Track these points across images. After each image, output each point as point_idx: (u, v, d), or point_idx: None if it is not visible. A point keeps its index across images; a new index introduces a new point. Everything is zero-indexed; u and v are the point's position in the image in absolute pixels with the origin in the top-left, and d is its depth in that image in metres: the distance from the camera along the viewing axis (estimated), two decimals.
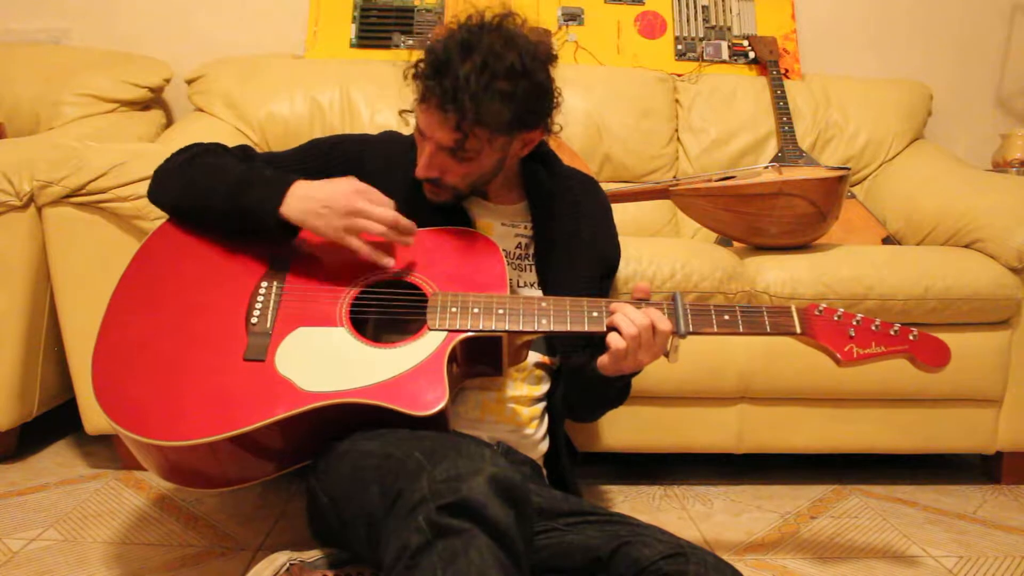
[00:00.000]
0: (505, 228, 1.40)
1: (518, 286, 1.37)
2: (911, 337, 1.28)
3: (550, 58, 1.27)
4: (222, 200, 1.25)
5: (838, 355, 1.26)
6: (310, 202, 1.21)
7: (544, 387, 1.40)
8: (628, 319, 1.19)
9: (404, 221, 1.24)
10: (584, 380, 1.35)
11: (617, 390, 1.41)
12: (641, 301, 1.24)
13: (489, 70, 1.18)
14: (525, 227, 1.41)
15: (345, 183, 1.23)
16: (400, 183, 1.34)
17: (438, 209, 1.35)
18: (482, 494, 0.91)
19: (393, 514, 0.94)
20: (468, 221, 1.36)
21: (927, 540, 1.67)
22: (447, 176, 1.29)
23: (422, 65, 1.23)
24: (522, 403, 1.35)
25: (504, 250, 1.36)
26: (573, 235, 1.42)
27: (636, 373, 1.30)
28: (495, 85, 1.19)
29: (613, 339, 1.20)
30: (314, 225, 1.21)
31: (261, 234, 1.26)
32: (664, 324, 1.20)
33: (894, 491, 1.90)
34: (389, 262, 1.24)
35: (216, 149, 1.36)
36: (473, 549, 0.88)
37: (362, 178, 1.31)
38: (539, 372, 1.39)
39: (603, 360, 1.24)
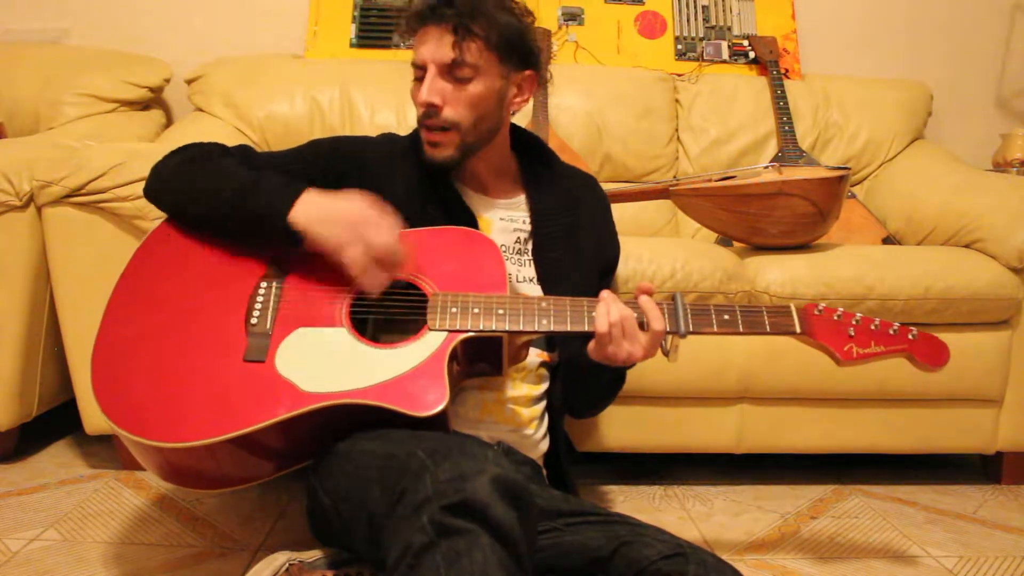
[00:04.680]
0: (504, 223, 1.40)
1: (517, 281, 1.37)
2: (910, 336, 1.29)
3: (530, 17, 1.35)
4: (227, 204, 1.23)
5: (837, 354, 1.27)
6: (321, 211, 1.20)
7: (543, 386, 1.40)
8: (605, 305, 1.21)
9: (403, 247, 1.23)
10: (577, 368, 1.35)
11: (609, 380, 1.41)
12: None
13: None
14: (524, 221, 1.41)
15: (360, 198, 1.22)
16: (400, 183, 1.34)
17: (440, 205, 1.34)
18: (486, 494, 0.90)
19: (396, 514, 0.94)
20: (470, 215, 1.35)
21: (927, 540, 1.67)
22: (448, 107, 1.27)
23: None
24: (521, 403, 1.35)
25: (503, 245, 1.35)
26: (571, 230, 1.42)
27: (631, 366, 1.30)
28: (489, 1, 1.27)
29: (598, 319, 1.21)
30: (318, 232, 1.19)
31: (263, 240, 1.25)
32: (659, 324, 1.20)
33: (894, 491, 1.90)
34: (378, 287, 1.21)
35: (216, 150, 1.34)
36: (476, 550, 0.88)
37: (362, 178, 1.30)
38: (539, 371, 1.39)
39: (590, 345, 1.24)
